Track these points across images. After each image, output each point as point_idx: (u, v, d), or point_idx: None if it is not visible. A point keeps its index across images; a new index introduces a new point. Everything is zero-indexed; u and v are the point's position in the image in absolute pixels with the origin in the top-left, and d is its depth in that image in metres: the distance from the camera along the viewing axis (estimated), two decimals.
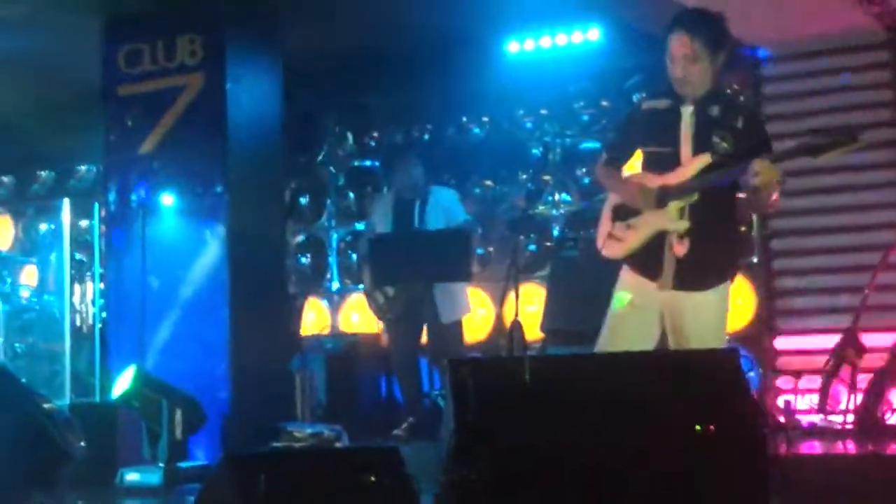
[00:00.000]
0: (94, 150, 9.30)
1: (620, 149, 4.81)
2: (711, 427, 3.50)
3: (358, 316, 9.17)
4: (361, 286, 9.18)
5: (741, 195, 4.57)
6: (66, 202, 7.79)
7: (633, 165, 4.84)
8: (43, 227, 9.09)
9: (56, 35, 8.02)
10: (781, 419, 6.61)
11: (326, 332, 9.12)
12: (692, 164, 4.48)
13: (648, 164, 4.64)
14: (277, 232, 8.10)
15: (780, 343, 7.26)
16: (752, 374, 7.17)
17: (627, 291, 4.62)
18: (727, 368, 3.69)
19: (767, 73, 7.74)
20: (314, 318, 9.39)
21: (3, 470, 4.84)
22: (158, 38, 7.64)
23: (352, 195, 9.54)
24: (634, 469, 3.44)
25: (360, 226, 9.33)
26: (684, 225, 4.47)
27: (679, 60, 4.45)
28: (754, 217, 7.35)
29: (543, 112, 8.80)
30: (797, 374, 6.89)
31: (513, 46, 8.43)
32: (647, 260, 4.55)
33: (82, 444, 5.06)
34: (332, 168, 9.63)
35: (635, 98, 7.92)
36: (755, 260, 7.59)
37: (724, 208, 4.59)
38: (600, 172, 4.83)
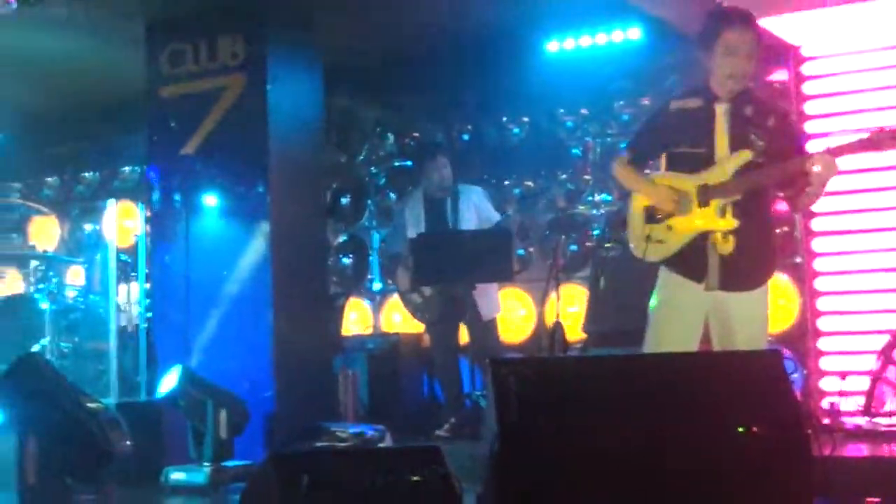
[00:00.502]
0: (137, 152, 9.43)
1: (646, 150, 4.80)
2: (755, 429, 3.49)
3: (400, 316, 9.19)
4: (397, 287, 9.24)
5: (780, 194, 4.56)
6: (111, 202, 7.86)
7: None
8: (88, 227, 9.18)
9: (100, 37, 8.10)
10: (826, 421, 6.55)
11: (368, 331, 9.17)
12: (731, 162, 4.47)
13: (676, 165, 4.62)
14: (319, 232, 8.15)
15: (825, 344, 7.20)
16: (795, 375, 7.11)
17: (668, 294, 4.61)
18: (770, 370, 3.68)
19: (810, 70, 7.67)
20: (356, 317, 9.42)
21: (47, 467, 4.91)
22: (200, 39, 7.71)
23: (392, 195, 9.56)
24: (677, 470, 3.43)
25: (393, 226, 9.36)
26: (731, 224, 4.46)
27: (738, 53, 4.45)
28: (796, 217, 7.29)
29: (583, 111, 8.77)
30: (842, 375, 6.82)
31: (553, 46, 8.42)
32: (691, 261, 4.54)
33: (128, 443, 5.11)
34: (372, 168, 9.66)
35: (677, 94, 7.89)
36: (798, 260, 7.53)
37: (765, 206, 4.58)
38: (623, 173, 4.80)
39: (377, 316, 9.41)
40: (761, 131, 4.47)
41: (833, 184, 4.53)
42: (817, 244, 7.33)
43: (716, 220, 4.48)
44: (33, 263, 8.55)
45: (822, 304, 7.19)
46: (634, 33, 8.16)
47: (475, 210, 7.48)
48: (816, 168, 4.25)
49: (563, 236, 8.20)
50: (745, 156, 4.46)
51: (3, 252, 9.88)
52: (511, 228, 7.70)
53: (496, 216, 7.58)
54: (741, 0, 5.01)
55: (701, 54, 4.57)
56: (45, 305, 8.14)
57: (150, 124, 7.99)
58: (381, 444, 6.64)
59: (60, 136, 10.58)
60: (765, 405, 3.57)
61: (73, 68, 8.85)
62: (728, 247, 4.46)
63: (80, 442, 5.02)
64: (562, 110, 8.86)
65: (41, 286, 8.36)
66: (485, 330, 7.33)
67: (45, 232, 10.88)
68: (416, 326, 8.23)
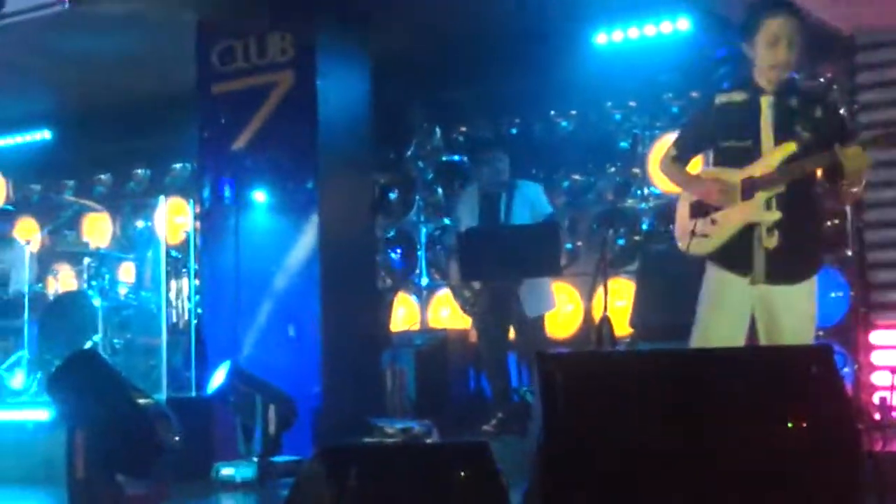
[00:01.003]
0: (188, 148, 9.51)
1: (692, 145, 4.76)
2: (804, 424, 3.45)
3: (447, 311, 9.21)
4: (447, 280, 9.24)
5: (824, 185, 4.51)
6: (162, 199, 7.94)
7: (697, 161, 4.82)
8: (139, 224, 9.26)
9: (151, 34, 8.18)
10: (877, 416, 6.47)
11: (416, 327, 9.17)
12: (775, 154, 4.43)
13: (723, 160, 4.59)
14: (367, 227, 8.17)
15: (876, 338, 7.11)
16: (846, 370, 7.04)
17: (714, 288, 4.57)
18: (820, 364, 3.63)
19: (862, 60, 7.57)
20: (404, 313, 9.44)
21: (95, 461, 4.95)
22: (251, 35, 7.76)
23: (440, 190, 9.56)
24: (724, 466, 3.41)
25: (448, 221, 9.36)
26: (776, 215, 4.41)
27: (781, 43, 4.40)
28: (847, 209, 7.21)
29: (632, 104, 8.72)
30: (893, 370, 6.73)
31: (601, 38, 8.38)
32: (737, 255, 4.50)
33: (176, 438, 5.15)
34: (420, 163, 9.67)
35: (725, 86, 7.83)
36: (849, 253, 7.44)
37: (810, 198, 4.53)
38: (670, 169, 4.78)
39: (425, 311, 9.42)
40: (807, 122, 4.42)
41: (884, 175, 4.48)
42: (869, 236, 7.25)
43: (760, 213, 4.44)
44: (86, 260, 8.64)
45: (873, 297, 7.11)
46: (683, 24, 8.10)
47: (530, 206, 7.44)
48: (848, 160, 4.20)
49: (611, 230, 8.15)
50: (790, 148, 4.41)
51: (57, 249, 10.01)
52: (560, 223, 7.66)
53: (549, 212, 7.54)
54: None
55: (744, 45, 4.53)
56: (97, 302, 8.23)
57: (201, 121, 8.06)
58: (428, 440, 6.65)
59: (113, 133, 10.68)
60: (814, 400, 3.53)
61: (124, 66, 8.95)
62: (773, 240, 4.42)
63: (129, 437, 5.06)
64: (610, 103, 8.81)
65: (94, 283, 8.45)
66: (531, 326, 7.30)
67: (97, 229, 11.00)
68: (463, 322, 8.23)
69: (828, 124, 4.45)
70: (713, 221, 4.54)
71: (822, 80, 7.74)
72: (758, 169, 4.45)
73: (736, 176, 4.49)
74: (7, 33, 7.80)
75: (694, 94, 8.40)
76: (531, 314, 7.26)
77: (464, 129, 9.52)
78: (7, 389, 8.30)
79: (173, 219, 8.90)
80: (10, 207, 10.17)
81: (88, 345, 8.03)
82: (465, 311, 7.64)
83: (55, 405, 5.77)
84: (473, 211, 7.60)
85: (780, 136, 4.44)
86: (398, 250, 9.66)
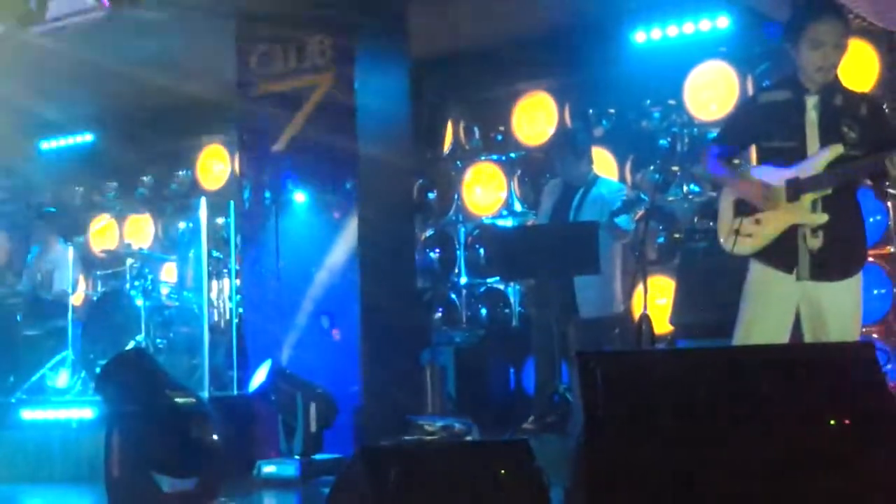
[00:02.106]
0: (229, 150, 9.58)
1: (734, 143, 4.75)
2: (846, 421, 3.44)
3: (486, 310, 9.21)
4: (490, 279, 9.24)
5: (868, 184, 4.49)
6: (203, 200, 8.01)
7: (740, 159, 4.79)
8: (181, 225, 9.33)
9: (192, 37, 8.24)
10: None
11: (454, 325, 9.19)
12: (822, 156, 4.41)
13: (767, 159, 4.57)
14: (406, 227, 8.19)
15: None
16: (888, 367, 6.98)
17: (759, 286, 4.56)
18: (863, 361, 3.62)
19: None
20: (441, 312, 9.45)
21: (132, 459, 4.99)
22: (290, 38, 7.80)
23: (478, 190, 9.57)
24: (766, 463, 3.40)
25: (487, 220, 9.37)
26: (822, 218, 4.40)
27: (826, 45, 4.38)
28: (889, 205, 7.16)
29: (671, 102, 8.68)
30: None
31: (640, 36, 8.36)
32: (781, 253, 4.48)
33: (215, 437, 5.17)
34: (459, 163, 9.68)
35: (766, 84, 7.78)
36: (892, 250, 7.38)
37: (855, 198, 4.51)
38: (713, 167, 4.76)
39: (463, 310, 9.43)
40: (853, 122, 4.40)
41: None
42: None
43: (806, 215, 4.42)
44: (129, 261, 8.72)
45: None
46: (723, 22, 8.07)
47: (602, 203, 7.39)
48: (894, 168, 4.18)
49: (651, 228, 8.11)
50: (837, 150, 4.39)
51: (99, 250, 10.13)
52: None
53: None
54: None
55: (787, 45, 4.51)
56: (140, 302, 8.31)
57: (241, 123, 8.11)
58: (468, 438, 6.66)
59: (155, 135, 10.78)
60: (856, 397, 3.52)
61: (165, 69, 9.02)
62: (817, 241, 4.41)
63: (166, 436, 5.09)
64: (649, 101, 8.77)
65: (136, 283, 8.53)
66: (583, 327, 7.22)
67: (140, 230, 11.11)
68: (503, 320, 8.23)
69: (873, 123, 4.43)
70: (757, 221, 4.53)
71: None
72: (803, 170, 4.43)
73: (781, 177, 4.47)
74: (51, 38, 7.89)
75: None
76: (585, 315, 7.20)
77: (502, 128, 9.51)
78: (52, 389, 8.41)
79: (214, 219, 8.94)
80: (52, 209, 10.30)
81: (131, 344, 8.12)
82: (527, 301, 7.59)
83: (102, 403, 5.82)
84: (548, 204, 7.57)
85: (826, 137, 4.42)
86: (437, 250, 9.69)
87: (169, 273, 9.46)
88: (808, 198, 4.43)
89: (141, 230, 11.11)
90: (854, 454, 3.42)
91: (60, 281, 9.10)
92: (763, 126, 4.57)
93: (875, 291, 7.24)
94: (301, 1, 7.65)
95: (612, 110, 8.97)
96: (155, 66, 8.94)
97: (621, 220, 7.15)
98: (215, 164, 10.86)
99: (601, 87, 8.85)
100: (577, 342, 7.13)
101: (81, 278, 9.72)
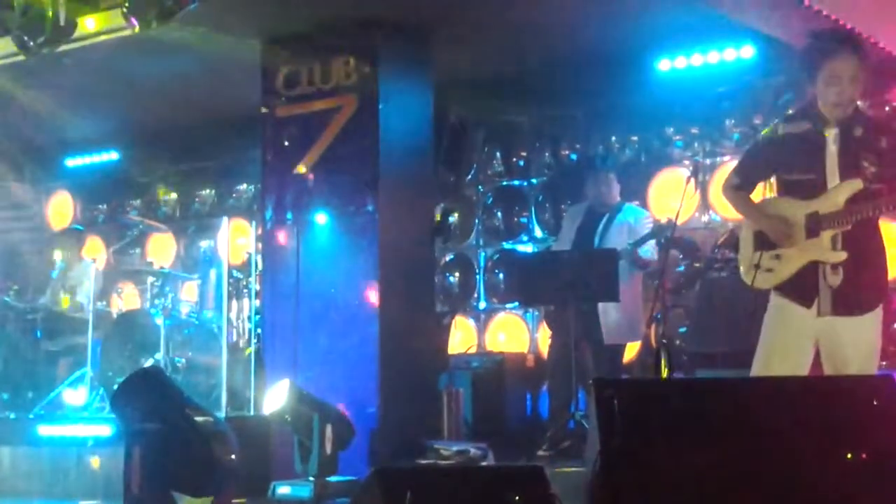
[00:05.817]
0: (252, 170, 9.62)
1: (754, 174, 4.73)
2: (863, 455, 3.42)
3: (504, 335, 9.20)
4: (509, 305, 9.23)
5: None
6: (225, 220, 8.03)
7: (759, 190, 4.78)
8: (203, 244, 9.35)
9: (217, 58, 8.29)
10: None
11: (473, 350, 9.18)
12: (841, 191, 4.40)
13: (787, 191, 4.56)
14: (427, 250, 8.20)
15: None
16: None
17: (779, 318, 4.54)
18: (881, 395, 3.60)
19: None
20: (461, 336, 9.45)
21: (151, 478, 5.00)
22: (314, 60, 7.84)
23: (500, 214, 9.58)
24: (782, 496, 3.38)
25: (507, 245, 9.37)
26: (841, 256, 4.39)
27: (842, 82, 4.37)
28: None
29: (693, 130, 8.68)
30: None
31: (664, 64, 8.37)
32: (802, 288, 4.47)
33: (233, 456, 5.18)
34: (480, 187, 9.70)
35: (789, 113, 7.76)
36: None
37: (875, 231, 4.48)
38: (733, 199, 4.76)
39: (482, 335, 9.43)
40: (873, 155, 4.39)
41: None
42: None
43: (826, 252, 4.41)
44: (150, 279, 8.75)
45: None
46: (747, 52, 8.07)
47: (627, 230, 7.38)
48: None
49: (672, 256, 8.10)
50: (857, 185, 4.38)
51: (122, 268, 10.16)
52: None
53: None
54: (855, 15, 4.91)
55: (804, 78, 4.51)
56: (159, 321, 8.33)
57: (265, 143, 8.16)
58: (483, 463, 6.64)
59: (178, 154, 10.84)
60: (874, 431, 3.50)
61: (190, 88, 9.09)
62: (837, 278, 4.39)
63: (184, 454, 5.11)
64: (671, 129, 8.77)
65: (157, 302, 8.56)
66: (603, 354, 7.20)
67: (161, 249, 11.15)
68: (520, 346, 8.21)
69: (893, 155, 4.41)
70: (777, 256, 4.52)
71: (887, 108, 7.66)
72: (823, 205, 4.42)
73: (800, 210, 4.46)
74: (77, 57, 7.96)
75: (757, 121, 8.35)
76: (608, 341, 7.18)
77: (524, 153, 9.52)
78: (69, 405, 8.43)
79: (235, 240, 8.98)
80: (79, 227, 10.35)
81: (150, 362, 8.13)
82: (548, 324, 7.60)
83: (118, 421, 5.84)
84: (571, 230, 7.58)
85: (846, 171, 4.41)
86: (456, 274, 9.69)
87: (189, 292, 9.48)
88: (827, 234, 4.41)
89: (163, 248, 11.15)
90: (871, 488, 3.39)
91: (83, 297, 9.13)
92: (783, 157, 4.56)
93: (894, 325, 7.18)
94: (326, 23, 7.68)
95: (634, 137, 8.97)
96: (181, 86, 9.01)
97: (643, 249, 7.15)
98: (237, 184, 10.90)
99: (624, 114, 8.86)
100: (597, 368, 7.13)
101: (114, 295, 9.74)
